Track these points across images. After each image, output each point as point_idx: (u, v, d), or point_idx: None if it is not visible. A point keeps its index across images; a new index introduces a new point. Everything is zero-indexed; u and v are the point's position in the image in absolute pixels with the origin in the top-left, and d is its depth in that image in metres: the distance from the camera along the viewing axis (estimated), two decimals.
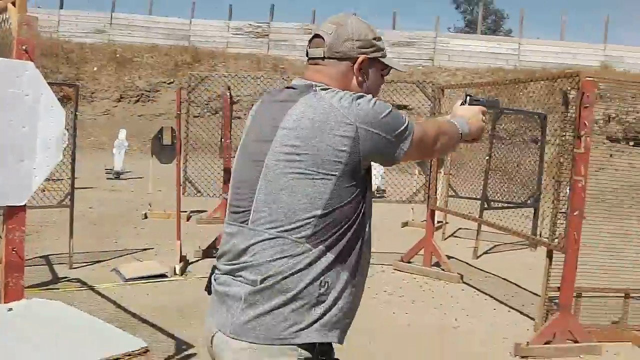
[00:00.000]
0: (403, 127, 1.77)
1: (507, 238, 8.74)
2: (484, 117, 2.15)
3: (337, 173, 1.67)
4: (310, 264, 1.67)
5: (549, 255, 5.20)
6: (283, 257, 1.67)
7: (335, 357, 1.76)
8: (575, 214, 4.75)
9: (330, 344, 1.73)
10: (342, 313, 1.74)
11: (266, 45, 24.55)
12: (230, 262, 1.78)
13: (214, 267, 1.88)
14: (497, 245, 9.24)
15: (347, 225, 1.71)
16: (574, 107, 4.86)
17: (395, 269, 7.47)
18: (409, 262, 7.53)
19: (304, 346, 1.66)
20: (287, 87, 1.85)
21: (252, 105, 2.03)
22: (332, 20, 1.87)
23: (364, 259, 1.81)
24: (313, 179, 1.66)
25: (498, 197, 8.84)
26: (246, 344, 1.66)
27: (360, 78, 1.87)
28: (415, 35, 24.03)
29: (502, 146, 9.18)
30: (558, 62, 20.71)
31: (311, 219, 1.67)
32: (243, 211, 1.77)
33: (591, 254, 5.29)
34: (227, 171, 7.91)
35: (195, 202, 9.58)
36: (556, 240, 5.06)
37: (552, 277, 5.11)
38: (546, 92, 9.29)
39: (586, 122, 4.68)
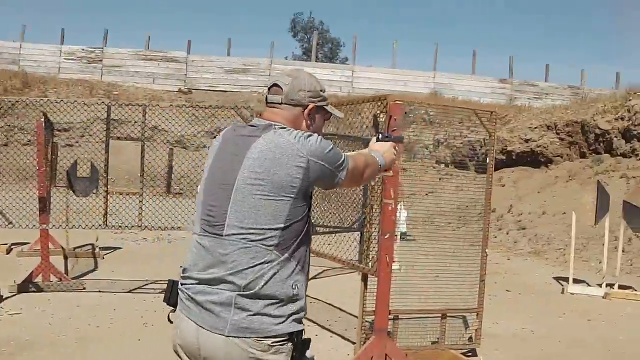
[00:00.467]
0: (341, 160, 2.23)
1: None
2: (394, 151, 2.73)
3: (292, 195, 2.08)
4: (281, 269, 2.09)
5: (364, 279, 5.29)
6: (259, 263, 2.06)
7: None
8: (386, 237, 4.82)
9: (297, 332, 2.13)
10: (305, 306, 2.19)
11: (99, 70, 23.57)
12: (206, 271, 2.13)
13: (179, 281, 2.24)
14: (326, 269, 9.34)
15: (301, 236, 2.15)
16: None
17: None
18: None
19: (284, 335, 2.08)
20: (250, 125, 2.25)
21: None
22: (288, 73, 2.32)
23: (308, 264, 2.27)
24: (274, 200, 2.07)
25: (330, 222, 8.96)
26: (248, 339, 2.04)
27: (308, 122, 2.30)
28: (250, 62, 24.08)
29: None
30: (390, 89, 21.51)
31: (276, 231, 2.07)
32: (217, 224, 2.12)
33: (414, 277, 5.53)
34: (41, 200, 7.31)
35: (14, 233, 8.94)
36: (370, 263, 5.13)
37: (371, 301, 5.17)
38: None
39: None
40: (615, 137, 14.28)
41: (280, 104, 2.27)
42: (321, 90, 2.35)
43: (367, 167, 2.45)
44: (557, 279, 9.63)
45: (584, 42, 65.15)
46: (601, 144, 14.71)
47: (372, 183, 5.12)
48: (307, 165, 2.10)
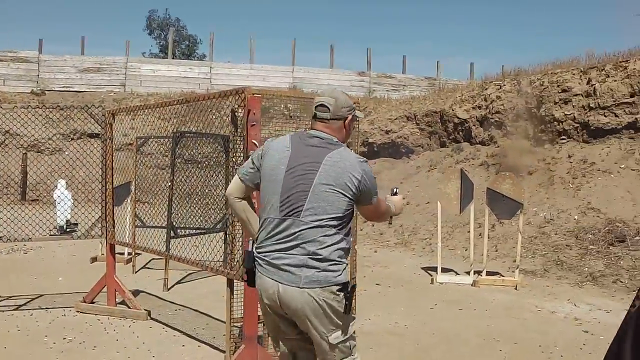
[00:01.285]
0: (375, 189, 3.00)
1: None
2: (403, 203, 3.67)
3: (349, 195, 2.87)
4: (337, 242, 2.85)
5: (229, 285, 4.82)
6: (324, 236, 2.82)
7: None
8: (250, 239, 4.32)
9: (348, 282, 2.90)
10: (348, 266, 2.98)
11: None
12: (282, 241, 2.85)
13: (254, 251, 2.99)
14: (191, 273, 8.66)
15: (350, 222, 2.96)
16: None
17: (78, 311, 6.59)
18: (92, 303, 6.69)
19: (340, 283, 2.84)
20: (315, 137, 2.97)
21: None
22: (330, 94, 3.06)
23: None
24: (338, 197, 2.85)
25: (193, 223, 8.32)
26: (317, 289, 2.79)
27: (347, 130, 3.09)
28: (105, 60, 22.70)
29: (198, 171, 8.73)
30: (249, 85, 20.88)
31: (337, 217, 2.85)
32: (295, 210, 2.85)
33: None
34: None
35: None
36: (235, 267, 4.67)
37: (240, 306, 4.76)
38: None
39: (255, 142, 4.36)
40: (474, 125, 14.48)
41: (329, 120, 3.02)
42: (352, 105, 3.13)
43: (386, 209, 3.28)
44: (426, 269, 9.46)
45: (439, 33, 67.69)
46: (460, 133, 14.88)
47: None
48: (360, 179, 2.89)
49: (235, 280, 4.71)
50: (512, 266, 8.98)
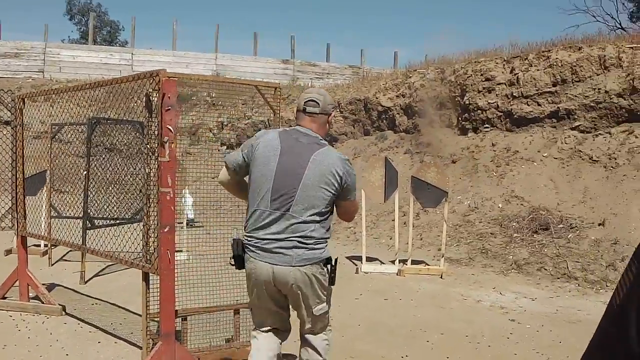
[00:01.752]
0: (355, 188, 3.37)
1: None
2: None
3: (333, 190, 3.20)
4: (321, 228, 3.20)
5: (145, 278, 4.43)
6: (312, 223, 3.15)
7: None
8: (165, 230, 4.04)
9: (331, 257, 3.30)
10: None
11: None
12: (273, 231, 3.16)
13: (243, 239, 3.31)
14: (110, 265, 8.10)
15: (331, 214, 3.31)
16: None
17: None
18: (4, 298, 6.17)
19: (324, 258, 3.23)
20: (304, 135, 3.29)
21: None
22: (317, 91, 3.45)
23: None
24: (324, 192, 3.17)
25: (111, 213, 7.79)
26: (307, 265, 3.16)
27: (329, 125, 3.45)
28: (23, 45, 21.49)
29: (118, 159, 8.20)
30: (171, 71, 20.17)
31: (322, 209, 3.18)
32: (286, 204, 3.14)
33: (204, 268, 4.86)
34: None
35: None
36: (150, 260, 4.28)
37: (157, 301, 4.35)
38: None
39: (170, 127, 3.98)
40: (398, 113, 14.33)
41: (317, 114, 3.31)
42: (334, 103, 3.61)
43: (356, 208, 3.58)
44: (351, 258, 9.20)
45: (363, 23, 67.86)
46: (384, 121, 14.72)
47: (148, 170, 4.30)
48: (342, 176, 3.20)
49: (151, 274, 4.32)
50: (437, 255, 8.83)
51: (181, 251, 8.57)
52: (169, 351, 4.16)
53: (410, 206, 8.75)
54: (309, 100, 3.32)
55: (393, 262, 8.55)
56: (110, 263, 8.09)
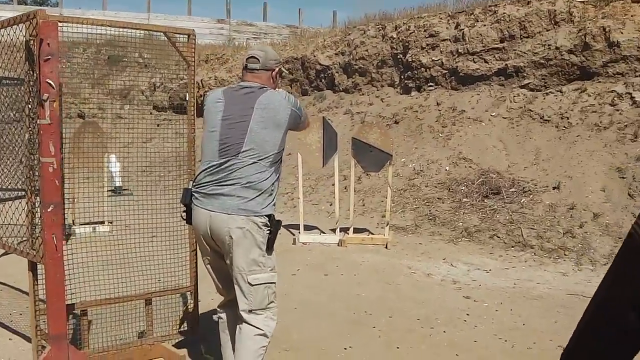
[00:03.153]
0: (303, 112, 3.37)
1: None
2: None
3: (284, 130, 3.18)
4: (269, 176, 3.10)
5: (32, 268, 3.56)
6: (259, 172, 3.06)
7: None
8: (50, 209, 3.20)
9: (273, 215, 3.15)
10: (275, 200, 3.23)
11: None
12: (218, 178, 3.07)
13: (192, 188, 3.21)
14: None
15: (282, 157, 3.23)
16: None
17: None
18: None
19: (265, 216, 3.07)
20: (246, 87, 3.22)
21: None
22: (259, 48, 3.44)
23: None
24: (275, 133, 3.12)
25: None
26: (243, 217, 3.01)
27: (274, 81, 3.34)
28: None
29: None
30: (100, 34, 18.92)
31: (273, 154, 3.12)
32: (233, 150, 3.06)
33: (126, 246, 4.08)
34: None
35: None
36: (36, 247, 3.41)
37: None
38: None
39: (50, 81, 3.13)
40: (337, 72, 13.51)
41: (258, 70, 3.27)
42: (279, 59, 3.42)
43: (306, 117, 3.50)
44: (288, 227, 8.40)
45: None
46: (323, 81, 13.88)
47: (29, 135, 3.46)
48: (291, 112, 3.20)
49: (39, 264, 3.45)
50: (382, 222, 8.13)
51: (103, 222, 7.65)
52: (60, 356, 3.35)
53: (351, 170, 7.98)
54: (249, 57, 3.31)
55: (334, 231, 7.82)
56: None
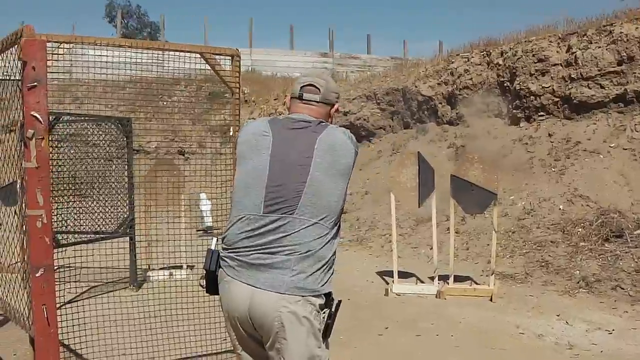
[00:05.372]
0: None
1: None
2: None
3: (348, 179, 2.49)
4: (330, 240, 2.40)
5: (32, 343, 2.94)
6: (320, 237, 2.35)
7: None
8: (38, 274, 2.69)
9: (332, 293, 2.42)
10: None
11: None
12: (264, 242, 2.34)
13: (218, 250, 2.48)
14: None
15: (339, 228, 2.52)
16: None
17: None
18: None
19: (324, 294, 2.37)
20: (300, 120, 2.51)
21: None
22: (320, 76, 2.64)
23: None
24: (339, 184, 2.43)
25: (84, 227, 6.64)
26: (299, 298, 2.30)
27: (332, 117, 2.65)
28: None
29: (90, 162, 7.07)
30: (204, 69, 19.22)
31: (337, 211, 2.43)
32: (287, 205, 2.35)
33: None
34: None
35: None
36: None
37: None
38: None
39: (36, 115, 2.61)
40: (440, 103, 12.82)
41: (317, 102, 2.57)
42: (339, 92, 2.73)
43: None
44: (382, 274, 7.76)
45: (405, 16, 65.67)
46: (425, 112, 13.21)
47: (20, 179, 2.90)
48: (355, 155, 2.50)
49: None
50: (487, 269, 7.32)
51: (181, 267, 7.28)
52: None
53: (451, 210, 7.25)
54: (306, 85, 2.59)
55: (432, 279, 7.10)
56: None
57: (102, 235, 6.58)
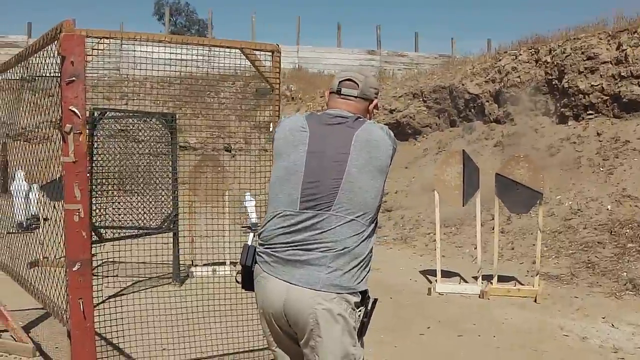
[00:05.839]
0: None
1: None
2: None
3: (385, 176, 2.44)
4: (368, 238, 2.37)
5: (69, 336, 3.01)
6: (356, 234, 2.32)
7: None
8: (75, 268, 2.78)
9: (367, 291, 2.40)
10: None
11: None
12: (301, 238, 2.32)
13: (256, 245, 2.47)
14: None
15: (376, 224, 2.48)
16: None
17: None
18: None
19: (360, 292, 2.34)
20: (336, 116, 2.49)
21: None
22: (360, 72, 2.64)
23: None
24: (377, 180, 2.39)
25: (128, 223, 6.82)
26: (335, 295, 2.28)
27: (371, 113, 2.62)
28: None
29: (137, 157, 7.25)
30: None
31: (374, 208, 2.39)
32: (324, 202, 2.33)
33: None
34: None
35: None
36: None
37: None
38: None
39: (75, 109, 2.68)
40: (487, 101, 12.71)
41: (355, 97, 2.54)
42: (379, 88, 2.71)
43: None
44: (425, 272, 7.77)
45: (453, 15, 64.91)
46: (472, 110, 13.12)
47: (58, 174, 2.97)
48: (393, 152, 2.46)
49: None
50: (532, 269, 7.27)
51: (224, 264, 7.36)
52: None
53: (495, 209, 7.21)
54: (345, 80, 2.58)
55: (476, 278, 7.08)
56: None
57: (146, 231, 6.74)
